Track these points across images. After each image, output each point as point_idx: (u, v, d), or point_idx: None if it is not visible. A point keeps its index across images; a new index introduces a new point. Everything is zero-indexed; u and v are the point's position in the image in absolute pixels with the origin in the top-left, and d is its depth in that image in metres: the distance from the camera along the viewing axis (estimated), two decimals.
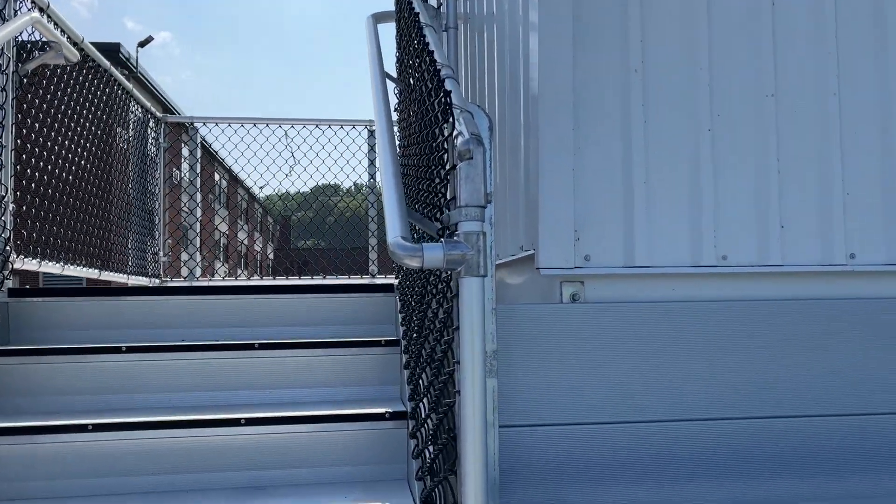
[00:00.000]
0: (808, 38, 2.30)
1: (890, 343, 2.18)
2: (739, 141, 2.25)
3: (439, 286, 1.84)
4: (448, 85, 1.90)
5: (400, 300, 3.09)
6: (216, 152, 6.30)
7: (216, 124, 5.45)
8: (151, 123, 5.25)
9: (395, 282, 3.32)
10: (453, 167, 1.72)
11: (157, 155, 5.39)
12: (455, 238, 1.63)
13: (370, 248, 5.77)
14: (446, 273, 1.77)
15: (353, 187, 6.54)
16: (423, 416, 2.21)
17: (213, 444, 2.52)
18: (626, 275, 2.17)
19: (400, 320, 3.00)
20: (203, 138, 5.68)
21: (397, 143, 3.64)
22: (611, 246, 2.18)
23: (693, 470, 2.06)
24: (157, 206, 5.39)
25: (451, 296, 1.73)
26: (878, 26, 2.33)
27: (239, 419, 2.52)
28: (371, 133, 5.51)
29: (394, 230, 1.68)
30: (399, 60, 3.17)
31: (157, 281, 5.27)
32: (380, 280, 5.47)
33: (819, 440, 2.12)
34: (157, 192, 5.40)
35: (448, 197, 1.79)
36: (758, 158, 2.25)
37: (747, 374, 2.12)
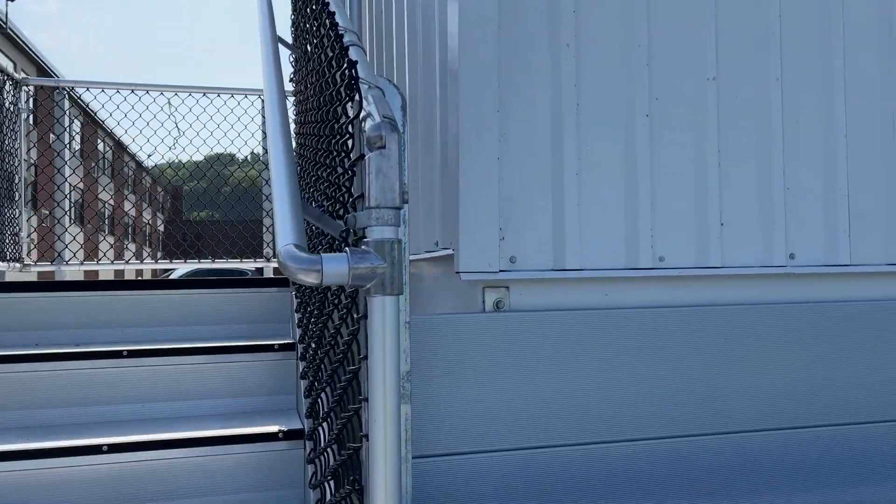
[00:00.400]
0: (751, 15, 2.10)
1: (835, 350, 2.04)
2: (679, 128, 2.03)
3: (343, 300, 1.52)
4: (353, 54, 1.57)
5: (297, 297, 2.74)
6: (94, 114, 5.65)
7: (87, 89, 4.83)
8: (7, 87, 4.58)
9: None
10: (360, 157, 1.39)
11: (16, 121, 4.73)
12: (363, 246, 1.31)
13: (265, 229, 5.33)
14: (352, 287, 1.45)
15: (249, 156, 6.06)
16: (322, 443, 1.90)
17: (69, 477, 2.11)
18: (556, 279, 1.92)
19: (297, 321, 2.65)
20: (77, 98, 5.04)
21: (293, 119, 3.25)
22: (539, 246, 1.91)
23: (637, 496, 1.85)
24: (16, 179, 4.74)
25: (358, 317, 1.41)
26: (823, 6, 2.15)
27: (100, 446, 2.12)
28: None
29: (284, 235, 1.34)
30: (295, 24, 2.78)
31: (17, 266, 4.65)
32: (275, 265, 5.05)
33: (772, 456, 1.96)
34: (16, 161, 4.75)
35: (355, 193, 1.46)
36: (698, 148, 2.03)
37: (691, 388, 1.92)
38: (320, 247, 2.03)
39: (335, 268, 1.27)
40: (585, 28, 1.97)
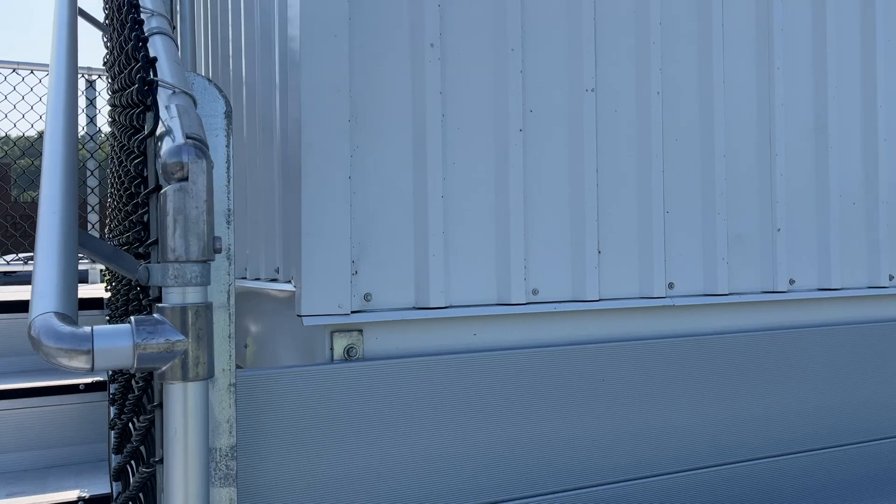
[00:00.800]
0: (631, 20, 1.91)
1: (715, 387, 1.90)
2: (555, 144, 1.80)
3: (136, 380, 1.16)
4: (156, 47, 1.21)
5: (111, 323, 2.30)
6: None
7: None
8: None
9: (107, 296, 2.51)
10: (155, 189, 1.04)
11: None
12: (156, 314, 0.97)
13: (89, 208, 4.70)
14: None
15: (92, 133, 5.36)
16: None
17: None
18: (418, 319, 1.64)
19: None
20: None
21: (108, 113, 2.76)
22: (399, 281, 1.63)
23: None
24: None
25: (152, 405, 1.06)
26: (703, 18, 2.00)
27: None
28: (90, 84, 4.42)
29: (42, 298, 0.96)
30: None
31: None
32: (87, 290, 4.43)
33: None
34: None
35: (153, 235, 1.11)
36: (575, 167, 1.82)
37: (573, 437, 1.71)
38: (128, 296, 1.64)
39: (113, 346, 0.93)
40: (453, 26, 1.70)
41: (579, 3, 1.82)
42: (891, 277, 2.24)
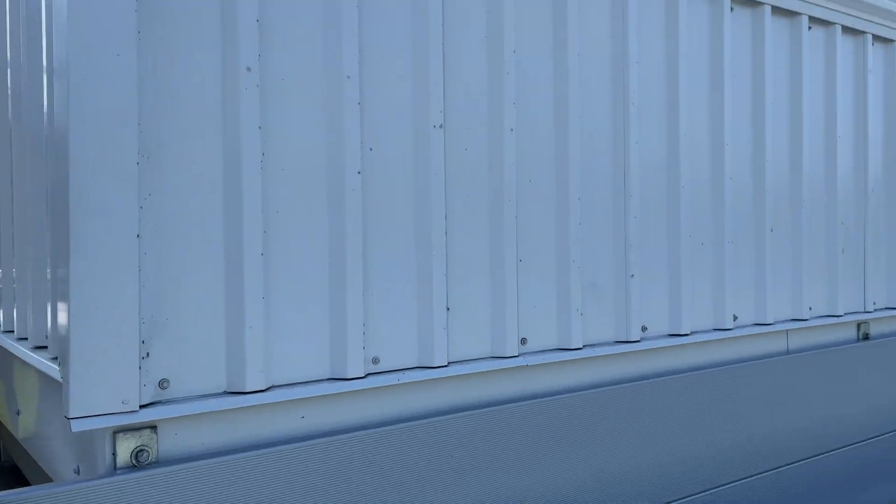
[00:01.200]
0: (484, 47, 1.70)
1: (570, 450, 1.75)
2: (397, 188, 1.56)
3: None
4: None
5: None
6: None
7: None
8: None
9: None
10: None
11: None
12: None
13: None
14: None
15: None
16: None
17: None
18: (229, 409, 1.33)
19: None
20: None
21: None
22: (205, 360, 1.31)
23: None
24: None
25: None
26: (559, 47, 1.83)
27: None
28: None
29: None
30: None
31: None
32: None
33: None
34: None
35: None
36: (420, 212, 1.59)
37: None
38: None
39: None
40: (275, 46, 1.40)
41: (426, 26, 1.58)
42: (735, 318, 2.22)
